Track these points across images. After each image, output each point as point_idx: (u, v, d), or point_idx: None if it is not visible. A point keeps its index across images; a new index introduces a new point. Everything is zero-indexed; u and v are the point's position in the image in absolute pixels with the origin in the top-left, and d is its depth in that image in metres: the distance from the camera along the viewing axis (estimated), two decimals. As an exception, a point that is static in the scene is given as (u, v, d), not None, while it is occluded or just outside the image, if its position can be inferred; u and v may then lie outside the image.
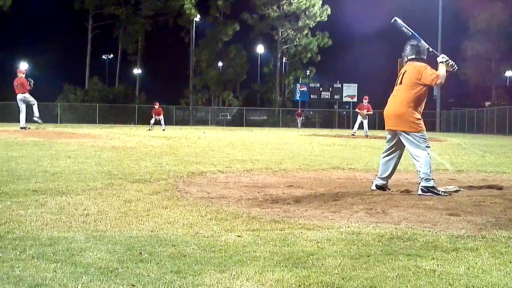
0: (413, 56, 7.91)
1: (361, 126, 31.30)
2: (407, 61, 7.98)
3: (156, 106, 39.42)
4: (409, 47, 8.00)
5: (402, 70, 7.94)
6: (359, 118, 31.45)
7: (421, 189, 7.50)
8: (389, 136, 8.03)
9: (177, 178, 8.91)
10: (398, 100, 7.81)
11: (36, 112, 23.60)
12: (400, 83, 7.84)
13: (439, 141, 29.33)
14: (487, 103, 69.19)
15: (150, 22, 74.60)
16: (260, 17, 75.41)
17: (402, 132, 7.72)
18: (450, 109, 72.33)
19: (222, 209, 6.11)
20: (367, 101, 31.75)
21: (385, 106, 8.08)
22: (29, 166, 9.90)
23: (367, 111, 31.11)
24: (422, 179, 7.52)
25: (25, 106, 23.57)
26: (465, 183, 8.95)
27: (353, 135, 30.96)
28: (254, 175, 9.86)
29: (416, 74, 7.67)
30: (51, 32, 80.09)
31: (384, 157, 8.08)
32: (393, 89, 8.02)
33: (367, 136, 29.93)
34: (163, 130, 36.03)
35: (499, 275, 3.74)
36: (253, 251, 4.24)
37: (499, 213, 6.13)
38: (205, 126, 62.90)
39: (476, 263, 4.00)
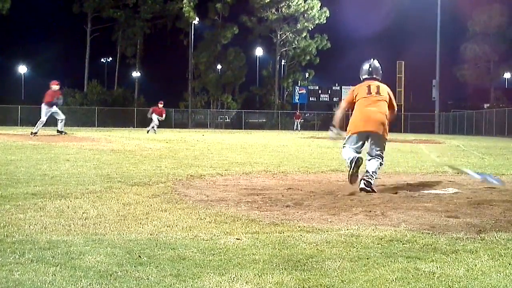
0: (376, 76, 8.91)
1: None
2: (372, 78, 8.86)
3: (161, 105, 37.66)
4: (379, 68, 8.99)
5: (374, 83, 8.75)
6: None
7: (367, 182, 8.04)
8: (359, 137, 8.50)
9: (176, 181, 8.91)
10: (383, 111, 8.52)
11: (37, 126, 24.03)
12: (377, 93, 8.63)
13: (438, 143, 29.37)
14: (485, 105, 69.25)
15: (149, 25, 74.69)
16: (258, 20, 75.44)
17: (381, 135, 8.44)
18: (449, 111, 72.36)
19: (221, 212, 6.10)
20: None
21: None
22: (28, 170, 9.89)
23: None
24: (373, 176, 8.17)
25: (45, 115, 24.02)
26: (464, 185, 8.95)
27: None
28: (253, 177, 9.86)
29: (391, 95, 8.83)
30: (50, 35, 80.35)
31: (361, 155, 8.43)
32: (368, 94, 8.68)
33: None
34: (148, 132, 35.43)
35: (499, 277, 3.74)
36: (253, 254, 4.24)
37: (498, 215, 6.13)
38: (204, 129, 62.92)
39: (476, 265, 4.00)
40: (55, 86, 24.41)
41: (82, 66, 72.69)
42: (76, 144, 18.72)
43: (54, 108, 24.07)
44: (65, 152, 14.72)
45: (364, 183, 8.02)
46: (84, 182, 8.40)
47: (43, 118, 24.01)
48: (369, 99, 8.60)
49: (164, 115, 37.43)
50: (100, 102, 66.13)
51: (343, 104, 9.14)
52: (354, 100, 8.75)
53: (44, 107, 23.94)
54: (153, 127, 36.84)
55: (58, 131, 24.33)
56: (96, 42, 73.75)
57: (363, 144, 8.52)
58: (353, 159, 8.17)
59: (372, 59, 9.04)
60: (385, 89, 8.75)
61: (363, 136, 8.50)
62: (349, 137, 8.57)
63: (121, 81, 78.65)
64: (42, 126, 24.50)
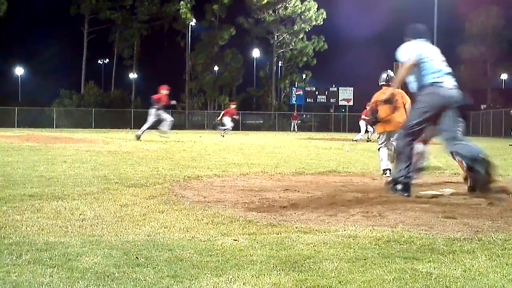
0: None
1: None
2: (388, 85, 10.73)
3: (233, 106, 35.98)
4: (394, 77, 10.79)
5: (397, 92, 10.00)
6: (364, 124, 31.01)
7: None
8: (385, 136, 10.94)
9: (173, 182, 8.90)
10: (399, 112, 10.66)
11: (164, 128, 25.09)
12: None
13: (435, 144, 29.36)
14: (482, 106, 69.34)
15: (146, 27, 74.63)
16: (255, 21, 75.50)
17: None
18: (446, 112, 72.28)
19: (219, 213, 6.10)
20: None
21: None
22: (25, 171, 9.88)
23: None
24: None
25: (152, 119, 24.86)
26: (461, 186, 8.96)
27: (368, 140, 30.75)
28: (251, 178, 9.86)
29: (404, 98, 10.74)
30: (47, 37, 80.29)
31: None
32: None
33: (369, 140, 29.92)
34: (223, 135, 33.48)
35: (496, 277, 3.74)
36: (250, 255, 4.24)
37: (495, 215, 6.14)
38: (201, 130, 62.88)
39: (473, 266, 4.01)
40: (165, 91, 25.43)
41: (79, 67, 72.66)
42: (73, 145, 18.72)
43: (163, 112, 25.18)
44: (62, 153, 14.71)
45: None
46: (81, 183, 8.39)
47: (151, 120, 25.12)
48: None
49: (236, 116, 35.87)
50: (97, 104, 66.08)
51: (371, 105, 11.07)
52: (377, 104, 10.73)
53: (153, 111, 25.01)
54: (225, 130, 35.08)
55: (160, 133, 25.26)
56: (93, 44, 73.77)
57: (389, 139, 10.88)
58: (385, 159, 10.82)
59: (388, 70, 11.33)
60: (398, 95, 10.47)
61: (387, 135, 10.86)
62: (379, 136, 11.18)
63: (118, 83, 78.74)
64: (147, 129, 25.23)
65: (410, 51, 7.86)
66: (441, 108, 7.56)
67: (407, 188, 7.53)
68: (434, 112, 7.59)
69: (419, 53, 7.76)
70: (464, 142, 7.55)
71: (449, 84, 7.66)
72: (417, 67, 7.76)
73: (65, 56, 76.55)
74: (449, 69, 7.82)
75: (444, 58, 7.94)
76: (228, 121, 35.17)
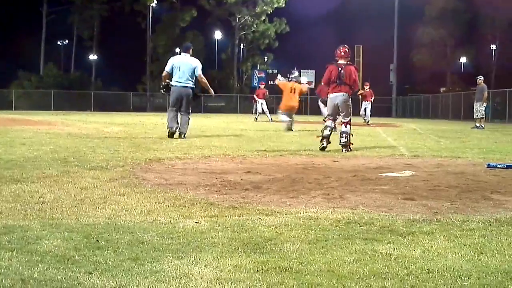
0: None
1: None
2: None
3: (262, 86, 34.42)
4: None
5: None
6: (364, 104, 31.97)
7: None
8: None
9: (134, 165, 8.84)
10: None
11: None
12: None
13: (395, 127, 29.69)
14: (442, 89, 70.15)
15: (106, 8, 73.74)
16: (217, 3, 74.96)
17: None
18: (406, 95, 73.14)
19: (180, 195, 6.08)
20: (368, 87, 32.49)
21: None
22: (-18, 154, 9.73)
23: (371, 97, 31.74)
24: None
25: None
26: (420, 168, 9.08)
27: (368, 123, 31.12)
28: (212, 161, 9.85)
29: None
30: (5, 17, 78.58)
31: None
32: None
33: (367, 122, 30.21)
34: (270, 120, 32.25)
35: (454, 258, 3.79)
36: (211, 237, 4.24)
37: (454, 197, 6.23)
38: (162, 112, 62.44)
39: (432, 247, 4.06)
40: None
41: (38, 48, 71.60)
42: (32, 127, 18.48)
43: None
44: (21, 135, 14.52)
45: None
46: (40, 166, 8.28)
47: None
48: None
49: (266, 96, 34.67)
50: (56, 85, 65.25)
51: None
52: None
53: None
54: (260, 113, 34.16)
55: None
56: (52, 25, 72.69)
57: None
58: None
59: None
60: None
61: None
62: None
63: (78, 64, 77.94)
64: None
65: (172, 60, 15.05)
66: (177, 97, 14.94)
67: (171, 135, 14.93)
68: (175, 100, 14.97)
69: (173, 63, 14.91)
70: (186, 115, 15.04)
71: (180, 84, 14.85)
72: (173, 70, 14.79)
73: (24, 37, 75.24)
74: (187, 76, 14.82)
75: (192, 66, 14.96)
76: (258, 104, 34.61)
